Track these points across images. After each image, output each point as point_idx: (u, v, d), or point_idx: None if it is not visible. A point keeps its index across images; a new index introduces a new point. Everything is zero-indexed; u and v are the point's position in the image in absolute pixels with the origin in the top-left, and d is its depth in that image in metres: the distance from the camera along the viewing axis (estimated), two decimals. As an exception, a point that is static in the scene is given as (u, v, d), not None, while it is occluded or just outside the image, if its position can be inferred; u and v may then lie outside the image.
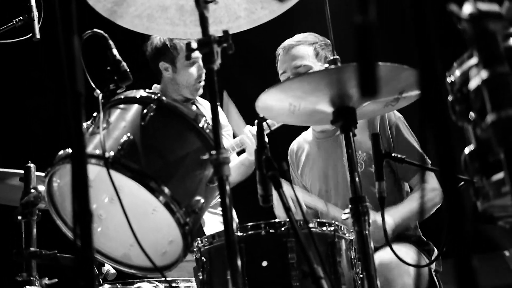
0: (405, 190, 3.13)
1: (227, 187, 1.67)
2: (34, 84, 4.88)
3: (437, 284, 2.82)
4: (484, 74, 1.09)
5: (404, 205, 2.91)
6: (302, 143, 3.35)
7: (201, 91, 3.72)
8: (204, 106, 3.83)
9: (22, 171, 2.76)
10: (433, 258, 2.88)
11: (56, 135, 4.79)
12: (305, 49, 3.11)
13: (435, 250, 2.96)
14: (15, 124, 4.85)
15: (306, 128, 3.39)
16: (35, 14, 2.83)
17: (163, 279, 2.57)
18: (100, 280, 2.85)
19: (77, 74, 1.37)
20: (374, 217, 2.57)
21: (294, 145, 3.40)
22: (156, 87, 3.81)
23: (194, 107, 2.17)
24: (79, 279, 1.30)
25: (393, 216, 2.77)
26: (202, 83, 3.68)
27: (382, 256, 2.46)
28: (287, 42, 3.16)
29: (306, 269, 1.70)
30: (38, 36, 2.84)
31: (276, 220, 2.17)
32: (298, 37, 3.18)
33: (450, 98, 1.23)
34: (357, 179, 1.97)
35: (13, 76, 4.75)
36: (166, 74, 3.72)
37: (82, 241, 1.32)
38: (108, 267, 3.00)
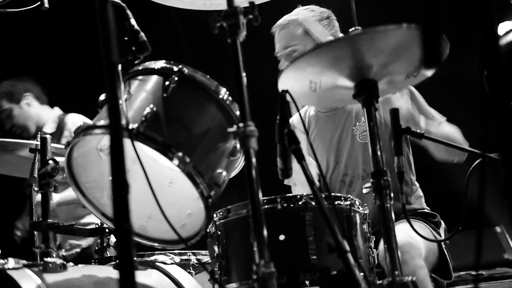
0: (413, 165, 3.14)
1: (253, 160, 1.65)
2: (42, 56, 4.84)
3: (447, 256, 2.83)
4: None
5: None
6: (305, 116, 3.29)
7: None
8: None
9: (32, 142, 2.73)
10: (440, 230, 2.89)
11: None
12: (294, 30, 3.07)
13: (442, 222, 2.97)
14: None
15: None
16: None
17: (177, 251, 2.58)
18: (107, 253, 2.85)
19: (112, 44, 1.35)
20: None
21: (294, 119, 3.23)
22: None
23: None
24: (118, 248, 1.30)
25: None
26: None
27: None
28: (279, 22, 3.13)
29: (332, 243, 1.69)
30: (46, 5, 2.78)
31: (292, 194, 2.17)
32: (289, 15, 3.13)
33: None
34: (378, 152, 1.97)
35: (20, 47, 4.70)
36: None
37: (119, 212, 1.32)
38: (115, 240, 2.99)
